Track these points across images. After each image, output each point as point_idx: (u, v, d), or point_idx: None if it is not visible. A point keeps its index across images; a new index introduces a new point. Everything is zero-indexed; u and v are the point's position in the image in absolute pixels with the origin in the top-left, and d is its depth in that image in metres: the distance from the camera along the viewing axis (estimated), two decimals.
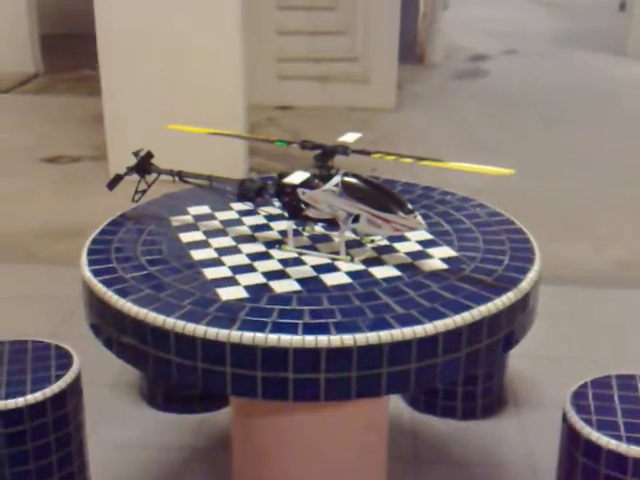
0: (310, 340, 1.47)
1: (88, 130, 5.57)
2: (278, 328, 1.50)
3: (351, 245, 1.83)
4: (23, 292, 3.36)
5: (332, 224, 1.79)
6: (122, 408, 2.68)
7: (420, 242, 1.88)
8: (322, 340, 1.47)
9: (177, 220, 2.00)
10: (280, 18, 6.58)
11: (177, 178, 1.94)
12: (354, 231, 1.85)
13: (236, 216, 2.04)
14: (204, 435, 2.55)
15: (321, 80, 6.58)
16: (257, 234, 1.92)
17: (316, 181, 1.77)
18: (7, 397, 1.96)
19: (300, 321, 1.53)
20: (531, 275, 1.72)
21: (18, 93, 6.87)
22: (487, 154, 5.32)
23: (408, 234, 1.90)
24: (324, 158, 1.79)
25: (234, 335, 1.48)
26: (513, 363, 2.78)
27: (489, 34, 9.87)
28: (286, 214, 1.84)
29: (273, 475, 1.91)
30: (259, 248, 1.84)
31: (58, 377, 2.04)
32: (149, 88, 4.60)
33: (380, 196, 1.72)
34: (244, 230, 1.95)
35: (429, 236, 1.92)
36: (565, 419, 1.92)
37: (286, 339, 1.47)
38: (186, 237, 1.90)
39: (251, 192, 1.87)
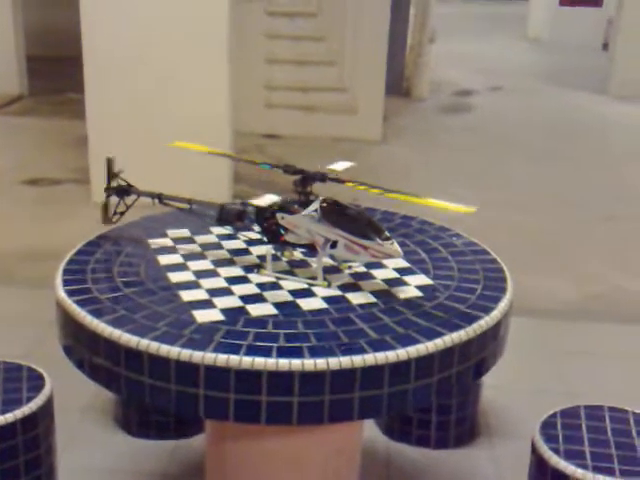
0: (284, 363, 1.48)
1: (70, 153, 5.57)
2: (253, 351, 1.50)
3: (329, 271, 1.84)
4: (1, 315, 3.35)
5: (310, 249, 1.80)
6: (94, 433, 2.66)
7: (397, 269, 1.89)
8: (296, 364, 1.48)
9: (156, 242, 2.01)
10: (269, 47, 6.63)
11: (157, 200, 1.94)
12: (332, 257, 1.86)
13: (216, 240, 2.04)
14: (177, 462, 2.53)
15: (308, 110, 6.63)
16: (236, 258, 1.93)
17: (295, 206, 1.78)
18: None
19: (275, 344, 1.53)
20: (503, 304, 1.74)
21: (1, 114, 6.87)
22: (469, 187, 5.35)
23: (385, 261, 1.91)
24: (304, 184, 1.81)
25: (208, 357, 1.48)
26: (487, 394, 2.78)
27: (475, 70, 9.98)
28: (265, 239, 1.85)
29: None
30: (237, 272, 1.85)
31: (29, 399, 2.03)
32: (134, 112, 4.61)
33: (358, 223, 1.74)
34: (223, 254, 1.95)
35: (406, 264, 1.93)
36: (534, 448, 1.92)
37: (260, 362, 1.48)
38: (164, 259, 1.91)
39: (231, 216, 1.88)
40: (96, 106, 4.63)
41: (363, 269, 1.88)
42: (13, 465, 2.00)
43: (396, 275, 1.86)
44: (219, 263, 1.89)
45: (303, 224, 1.76)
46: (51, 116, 6.81)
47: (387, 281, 1.83)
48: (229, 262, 1.90)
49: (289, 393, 1.49)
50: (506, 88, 9.06)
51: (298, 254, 1.93)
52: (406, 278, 1.85)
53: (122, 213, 1.99)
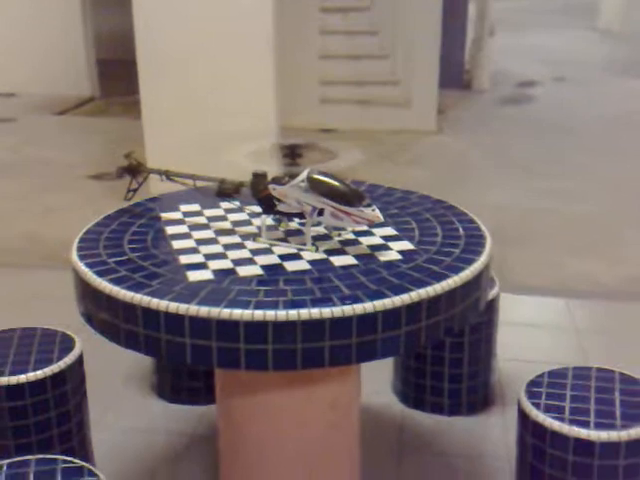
0: (259, 314, 1.64)
1: (135, 150, 5.85)
2: (232, 304, 1.67)
3: (320, 238, 2.00)
4: (56, 297, 3.60)
5: (301, 217, 1.96)
6: (132, 398, 2.88)
7: (383, 237, 2.03)
8: (269, 315, 1.64)
9: (167, 215, 2.20)
10: (323, 43, 6.80)
11: (164, 177, 2.13)
12: (325, 228, 2.02)
13: (222, 213, 2.22)
14: (205, 424, 2.72)
15: (363, 103, 6.77)
16: (237, 228, 2.10)
17: (286, 179, 1.95)
18: (10, 374, 2.17)
19: (254, 299, 1.69)
20: (475, 265, 1.86)
21: (74, 115, 7.24)
22: (520, 175, 5.41)
23: (374, 230, 2.05)
24: (293, 157, 1.98)
25: (192, 309, 1.66)
26: (505, 366, 2.89)
27: (540, 61, 9.94)
28: (261, 209, 2.02)
29: (250, 452, 2.07)
30: (235, 240, 2.02)
31: (59, 359, 2.25)
32: (185, 110, 4.84)
33: (342, 191, 1.89)
34: (226, 225, 2.13)
35: (394, 232, 2.07)
36: (519, 404, 2.04)
37: (237, 313, 1.64)
38: (171, 230, 2.09)
39: (229, 190, 2.06)
40: (150, 104, 4.87)
41: (352, 236, 2.03)
42: (45, 418, 2.22)
43: (382, 242, 2.00)
44: (220, 233, 2.07)
45: (292, 194, 1.92)
46: (121, 116, 7.15)
47: (372, 247, 1.97)
48: (229, 232, 2.08)
49: (263, 341, 1.65)
50: (570, 79, 9.00)
51: (294, 224, 2.09)
52: (390, 244, 1.99)
53: (135, 190, 2.19)
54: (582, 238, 4.41)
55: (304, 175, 1.91)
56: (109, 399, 2.62)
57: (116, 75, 8.41)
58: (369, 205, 1.88)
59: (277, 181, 1.95)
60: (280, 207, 1.97)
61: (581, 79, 9.02)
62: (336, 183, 1.90)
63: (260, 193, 1.98)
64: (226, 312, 1.65)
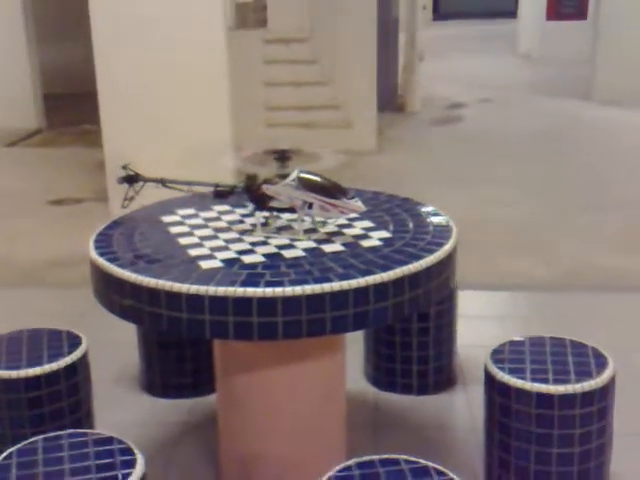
0: (269, 291, 1.92)
1: (89, 176, 6.06)
2: (245, 284, 1.94)
3: (308, 232, 2.29)
4: (37, 311, 3.79)
5: (292, 211, 2.25)
6: (124, 396, 3.09)
7: (364, 228, 2.33)
8: (278, 291, 1.92)
9: (167, 218, 2.46)
10: (268, 71, 7.13)
11: (160, 185, 2.39)
12: (312, 222, 2.31)
13: (216, 215, 2.49)
14: (195, 414, 2.95)
15: (307, 127, 7.10)
16: (233, 226, 2.37)
17: (277, 179, 2.24)
18: (27, 367, 2.38)
19: (262, 279, 1.97)
20: (445, 248, 2.17)
21: (23, 146, 7.40)
22: (455, 187, 5.79)
23: (354, 222, 2.35)
24: (282, 161, 2.27)
25: (211, 289, 1.92)
26: (465, 352, 3.20)
27: (466, 85, 10.46)
28: (255, 207, 2.29)
29: (247, 423, 2.32)
30: (234, 235, 2.29)
31: (70, 352, 2.46)
32: (146, 136, 5.07)
33: (328, 187, 2.19)
34: (222, 224, 2.40)
35: (371, 224, 2.36)
36: (485, 369, 2.34)
37: (250, 291, 1.91)
38: (174, 229, 2.35)
39: (225, 192, 2.34)
40: (112, 131, 5.09)
41: (336, 229, 2.32)
42: (59, 407, 2.43)
43: (363, 232, 2.30)
44: (219, 230, 2.34)
45: (284, 192, 2.21)
46: (69, 146, 7.33)
47: (355, 236, 2.26)
48: (226, 229, 2.35)
49: (274, 314, 1.93)
50: (495, 100, 9.52)
51: (283, 221, 2.37)
52: (370, 233, 2.28)
53: (132, 198, 2.43)
54: (516, 240, 4.80)
55: (294, 175, 2.21)
56: (102, 398, 2.80)
57: (62, 107, 8.58)
58: (352, 197, 2.19)
59: (270, 181, 2.23)
60: (273, 204, 2.25)
61: (505, 100, 9.55)
62: (322, 180, 2.20)
63: (255, 192, 2.26)
64: (241, 290, 1.91)
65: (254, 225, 2.32)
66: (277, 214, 2.33)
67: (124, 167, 2.43)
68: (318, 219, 2.31)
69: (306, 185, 2.19)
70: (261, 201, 2.26)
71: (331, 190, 2.19)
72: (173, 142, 4.99)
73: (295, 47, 7.25)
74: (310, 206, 2.20)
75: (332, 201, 2.17)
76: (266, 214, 2.31)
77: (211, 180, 2.37)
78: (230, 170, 5.06)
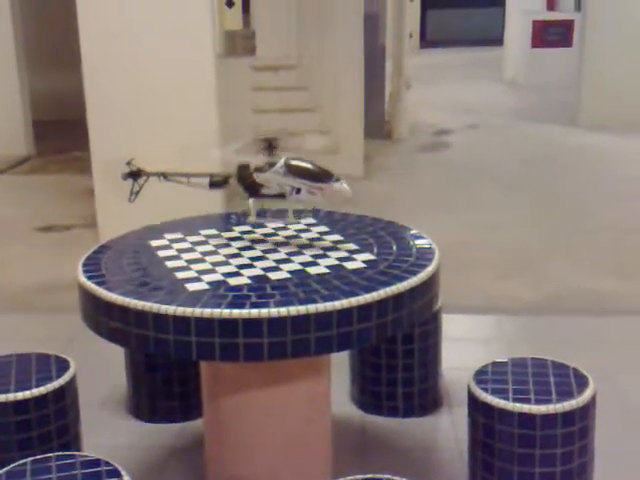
0: (254, 312, 1.95)
1: (78, 203, 6.09)
2: (230, 305, 1.97)
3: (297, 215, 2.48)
4: (26, 336, 3.81)
5: (282, 197, 2.33)
6: (112, 420, 3.10)
7: (348, 251, 2.37)
8: (264, 312, 1.95)
9: (155, 242, 2.49)
10: (256, 98, 7.21)
11: (162, 178, 2.46)
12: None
13: (203, 238, 2.52)
14: (183, 438, 2.96)
15: (294, 152, 7.15)
16: (219, 250, 2.41)
17: (267, 167, 2.31)
18: (16, 391, 2.40)
19: (248, 301, 2.00)
20: (428, 270, 2.21)
21: (12, 174, 7.42)
22: (442, 212, 5.85)
23: (339, 245, 2.39)
24: (270, 150, 2.36)
25: (197, 311, 1.95)
26: (450, 374, 3.23)
27: (453, 112, 10.55)
28: (247, 193, 2.37)
29: (234, 446, 2.34)
30: (220, 259, 2.33)
31: (58, 376, 2.48)
32: (135, 155, 5.09)
33: (314, 171, 2.29)
34: (209, 247, 2.43)
35: (356, 247, 2.40)
36: (469, 390, 2.37)
37: (236, 312, 1.95)
38: (162, 253, 2.39)
39: (219, 181, 2.42)
40: (101, 157, 5.11)
41: (320, 252, 2.36)
42: (47, 430, 2.44)
43: (347, 254, 2.34)
44: (206, 253, 2.37)
45: (274, 179, 2.29)
46: (59, 173, 7.35)
47: (339, 258, 2.30)
48: (213, 252, 2.38)
49: (260, 335, 1.96)
50: (482, 126, 9.61)
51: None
52: (355, 256, 2.32)
53: (137, 192, 2.49)
54: (502, 263, 4.84)
55: (282, 162, 2.28)
56: (88, 422, 2.81)
57: (51, 135, 8.62)
58: (337, 180, 2.26)
59: (259, 169, 2.31)
60: (264, 191, 2.35)
61: (492, 126, 9.64)
62: (309, 165, 2.30)
63: (246, 180, 2.36)
64: (227, 312, 1.95)
65: (242, 249, 2.37)
66: (268, 200, 2.43)
67: (128, 163, 2.53)
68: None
69: (293, 171, 2.28)
70: (253, 189, 2.35)
71: (317, 174, 2.29)
72: (162, 161, 5.01)
73: (283, 74, 7.33)
74: (298, 191, 2.27)
75: (319, 185, 2.26)
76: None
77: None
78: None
